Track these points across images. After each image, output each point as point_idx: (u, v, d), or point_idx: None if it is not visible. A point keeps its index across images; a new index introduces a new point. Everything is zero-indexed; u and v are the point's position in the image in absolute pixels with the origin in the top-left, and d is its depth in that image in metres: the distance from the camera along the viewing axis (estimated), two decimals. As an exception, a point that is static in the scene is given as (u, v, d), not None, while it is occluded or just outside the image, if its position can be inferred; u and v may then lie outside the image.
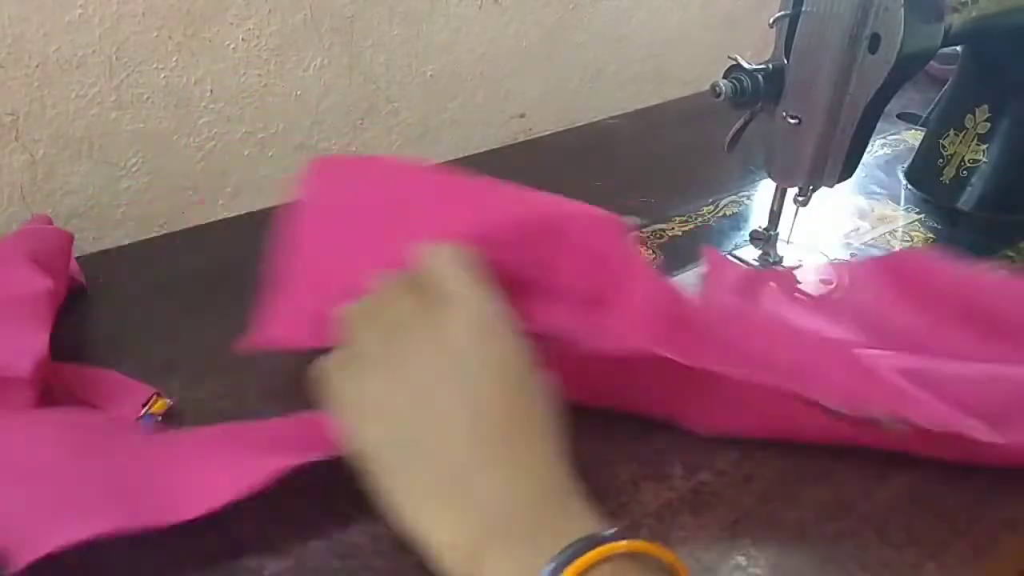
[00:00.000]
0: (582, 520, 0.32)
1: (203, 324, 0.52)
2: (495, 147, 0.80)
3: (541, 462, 0.33)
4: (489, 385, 0.34)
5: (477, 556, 0.31)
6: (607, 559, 0.29)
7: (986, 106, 0.67)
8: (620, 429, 0.45)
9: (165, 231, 0.64)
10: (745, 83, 0.52)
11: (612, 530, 0.31)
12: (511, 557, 0.30)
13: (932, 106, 0.77)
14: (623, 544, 0.30)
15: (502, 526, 0.31)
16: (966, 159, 0.68)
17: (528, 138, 0.82)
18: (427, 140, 0.76)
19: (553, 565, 0.29)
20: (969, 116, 0.68)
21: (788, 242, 0.61)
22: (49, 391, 0.42)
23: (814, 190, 0.57)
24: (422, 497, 0.33)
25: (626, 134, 0.84)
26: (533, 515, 0.31)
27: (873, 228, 0.66)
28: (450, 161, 0.76)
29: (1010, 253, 0.63)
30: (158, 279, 0.57)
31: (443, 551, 0.31)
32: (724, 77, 0.52)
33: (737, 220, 0.67)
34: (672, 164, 0.76)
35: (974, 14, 0.56)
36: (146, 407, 0.43)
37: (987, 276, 0.50)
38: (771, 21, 0.52)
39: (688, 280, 0.58)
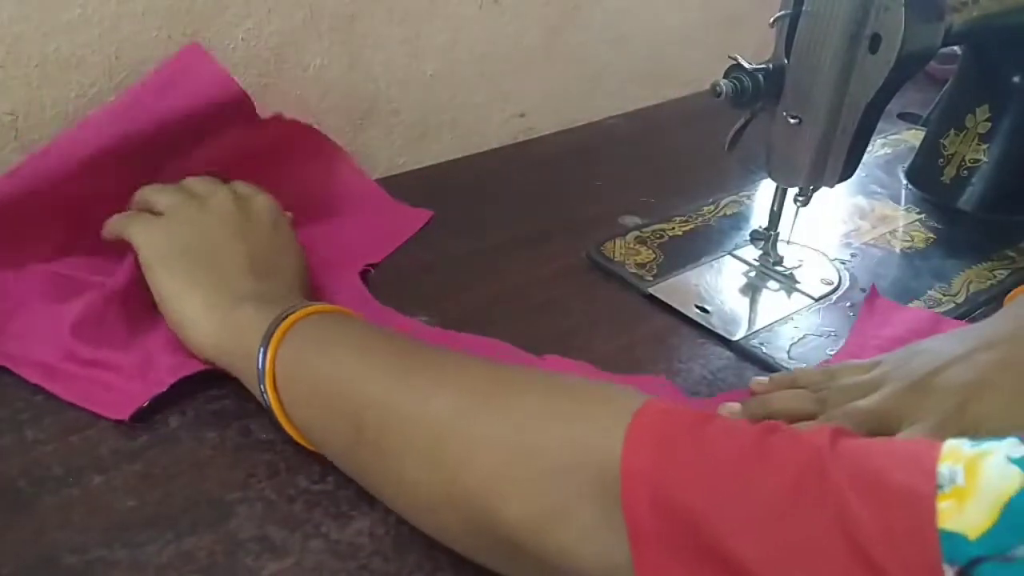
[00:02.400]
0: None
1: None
2: (495, 147, 0.80)
3: (284, 286, 0.48)
4: (266, 239, 0.50)
5: (229, 313, 0.44)
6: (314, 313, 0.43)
7: (987, 106, 0.67)
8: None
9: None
10: (745, 83, 0.52)
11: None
12: (252, 314, 0.43)
13: (933, 106, 0.77)
14: (322, 306, 0.44)
15: (251, 300, 0.45)
16: (967, 159, 0.68)
17: (528, 138, 0.82)
18: (427, 140, 0.76)
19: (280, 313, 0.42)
20: (970, 116, 0.68)
21: (788, 242, 0.61)
22: None
23: (814, 190, 0.57)
24: (193, 286, 0.46)
25: (626, 134, 0.84)
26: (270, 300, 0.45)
27: (873, 228, 0.66)
28: (450, 161, 0.76)
29: (1011, 253, 0.63)
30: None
31: (200, 314, 0.45)
32: (724, 77, 0.52)
33: (737, 220, 0.67)
34: (672, 164, 0.76)
35: (975, 14, 0.56)
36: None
37: None
38: (771, 21, 0.52)
39: (688, 280, 0.59)
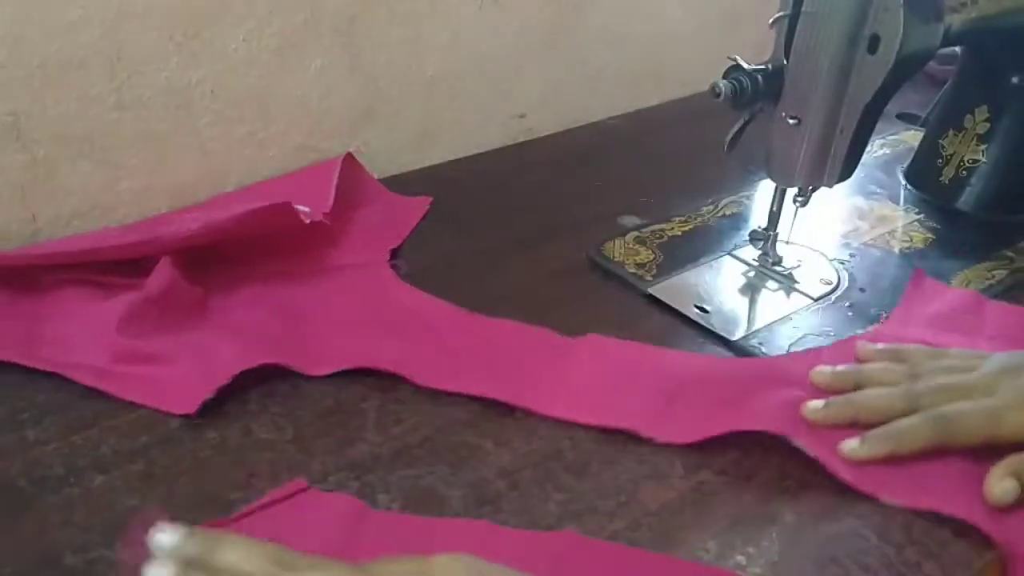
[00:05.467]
0: None
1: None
2: (495, 147, 0.80)
3: None
4: None
5: None
6: None
7: (985, 106, 0.67)
8: (620, 429, 0.45)
9: (165, 231, 0.64)
10: (744, 83, 0.52)
11: None
12: None
13: (931, 106, 0.77)
14: None
15: None
16: (965, 159, 0.68)
17: (528, 138, 0.82)
18: (427, 140, 0.76)
19: None
20: (968, 116, 0.68)
21: (787, 242, 0.61)
22: None
23: (813, 190, 0.57)
24: None
25: (626, 134, 0.84)
26: None
27: (872, 228, 0.66)
28: (450, 161, 0.76)
29: (1009, 253, 0.63)
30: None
31: None
32: (724, 77, 0.52)
33: (736, 220, 0.67)
34: (672, 164, 0.76)
35: (973, 15, 0.56)
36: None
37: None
38: (771, 21, 0.52)
39: (688, 280, 0.59)
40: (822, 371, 0.47)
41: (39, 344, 0.48)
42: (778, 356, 0.51)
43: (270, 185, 0.67)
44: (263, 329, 0.51)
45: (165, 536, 0.32)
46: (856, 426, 0.44)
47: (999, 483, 0.40)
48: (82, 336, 0.49)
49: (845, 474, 0.42)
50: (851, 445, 0.42)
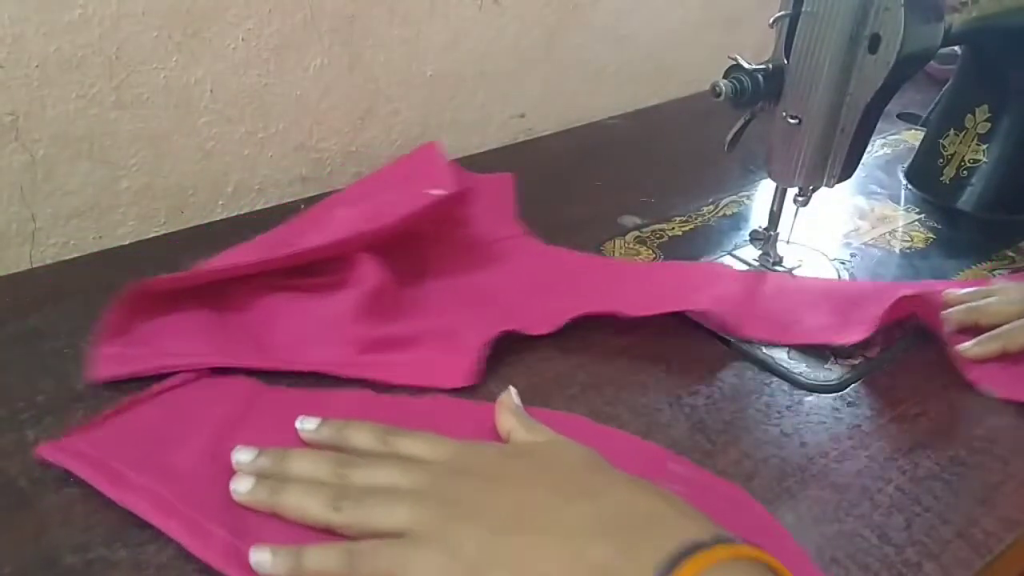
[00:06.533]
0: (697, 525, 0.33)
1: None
2: (495, 147, 0.80)
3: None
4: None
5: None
6: (719, 562, 0.31)
7: (986, 106, 0.67)
8: (622, 429, 0.45)
9: (165, 231, 0.64)
10: (745, 83, 0.52)
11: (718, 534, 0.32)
12: (627, 552, 0.32)
13: (932, 106, 0.77)
14: (735, 549, 0.31)
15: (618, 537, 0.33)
16: (966, 159, 0.68)
17: (528, 138, 0.82)
18: (427, 140, 0.76)
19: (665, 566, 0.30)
20: (969, 116, 0.68)
21: (788, 242, 0.61)
22: None
23: (814, 190, 0.57)
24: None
25: (626, 134, 0.84)
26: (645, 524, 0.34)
27: (873, 228, 0.66)
28: (450, 161, 0.76)
29: (1010, 253, 0.63)
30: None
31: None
32: (724, 77, 0.52)
33: (737, 220, 0.67)
34: (672, 164, 0.76)
35: (974, 14, 0.56)
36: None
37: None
38: (771, 21, 0.52)
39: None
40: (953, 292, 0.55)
41: (273, 349, 0.49)
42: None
43: (385, 177, 0.68)
44: (475, 304, 0.54)
45: (241, 454, 0.40)
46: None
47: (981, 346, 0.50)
48: (312, 335, 0.50)
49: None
50: (965, 345, 0.50)
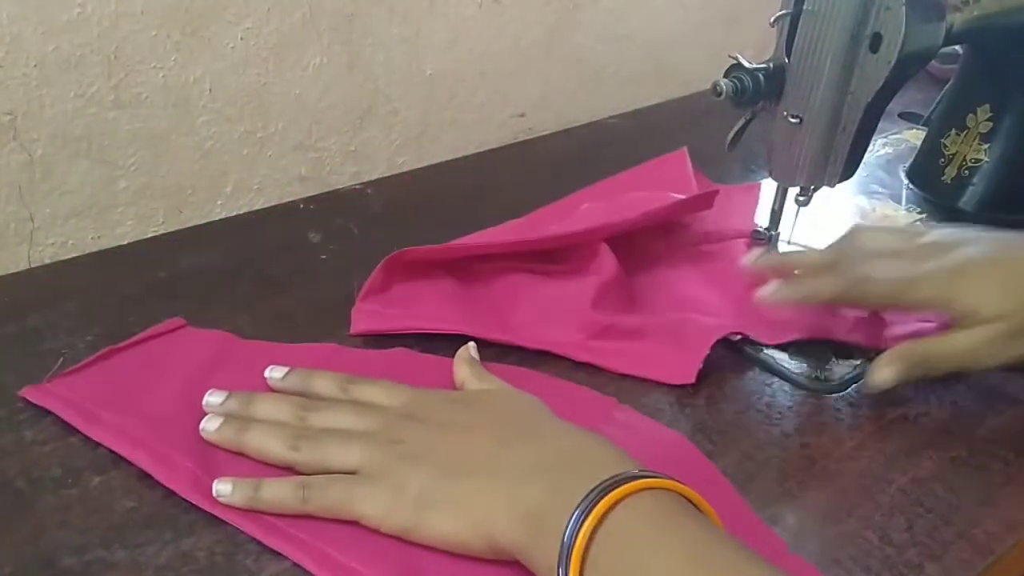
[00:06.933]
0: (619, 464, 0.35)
1: (202, 323, 0.52)
2: (495, 147, 0.80)
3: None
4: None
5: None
6: (642, 491, 0.33)
7: (988, 105, 0.67)
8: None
9: (163, 230, 0.64)
10: (746, 82, 0.52)
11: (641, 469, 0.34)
12: (555, 491, 0.34)
13: (934, 105, 0.77)
14: (652, 481, 0.33)
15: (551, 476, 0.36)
16: (968, 158, 0.68)
17: (528, 138, 0.82)
18: (426, 139, 0.76)
19: (593, 495, 0.33)
20: (971, 115, 0.68)
21: (789, 242, 0.61)
22: None
23: (815, 190, 0.57)
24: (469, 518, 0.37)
25: (626, 134, 0.83)
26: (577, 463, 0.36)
27: (874, 228, 0.66)
28: (450, 161, 0.76)
29: (1012, 253, 0.63)
30: (157, 278, 0.56)
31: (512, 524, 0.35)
32: (725, 76, 0.52)
33: (738, 220, 0.66)
34: (672, 164, 0.76)
35: (975, 13, 0.55)
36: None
37: None
38: (772, 20, 0.52)
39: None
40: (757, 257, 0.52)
41: (514, 327, 0.51)
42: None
43: (632, 178, 0.69)
44: (710, 302, 0.55)
45: (212, 396, 0.43)
46: None
47: (880, 371, 0.46)
48: (552, 317, 0.52)
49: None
50: (770, 288, 0.48)
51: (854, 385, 0.49)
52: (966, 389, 0.49)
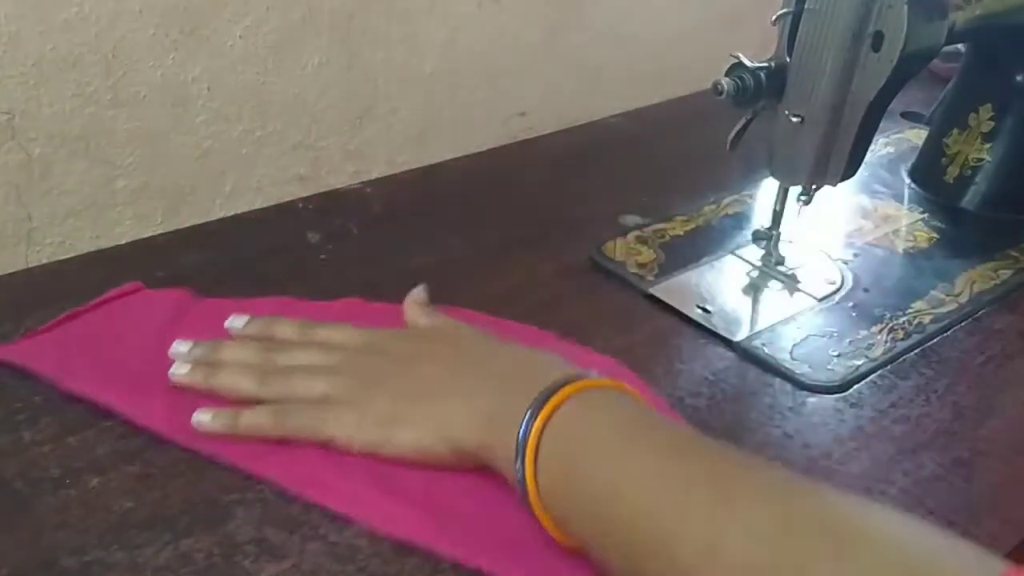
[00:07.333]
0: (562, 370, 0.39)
1: (201, 324, 0.52)
2: (495, 146, 0.79)
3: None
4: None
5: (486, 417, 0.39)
6: (590, 388, 0.37)
7: (990, 104, 0.67)
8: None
9: (162, 230, 0.63)
10: (747, 81, 0.52)
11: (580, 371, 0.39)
12: (510, 395, 0.38)
13: (936, 104, 0.76)
14: (598, 381, 0.38)
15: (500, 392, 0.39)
16: (970, 158, 0.68)
17: (528, 137, 0.82)
18: (426, 139, 0.76)
19: (542, 398, 0.36)
20: (973, 115, 0.68)
21: (790, 241, 0.60)
22: None
23: (817, 189, 0.57)
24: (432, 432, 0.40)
25: (626, 133, 0.83)
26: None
27: (876, 227, 0.66)
28: (450, 161, 0.76)
29: (1014, 252, 0.63)
30: (155, 278, 0.56)
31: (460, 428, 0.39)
32: (726, 75, 0.52)
33: (739, 219, 0.66)
34: (673, 163, 0.76)
35: (977, 12, 0.55)
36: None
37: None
38: (773, 19, 0.52)
39: (690, 280, 0.58)
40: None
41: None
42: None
43: None
44: None
45: (179, 345, 0.46)
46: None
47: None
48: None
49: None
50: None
51: (856, 386, 0.49)
52: (967, 390, 0.49)
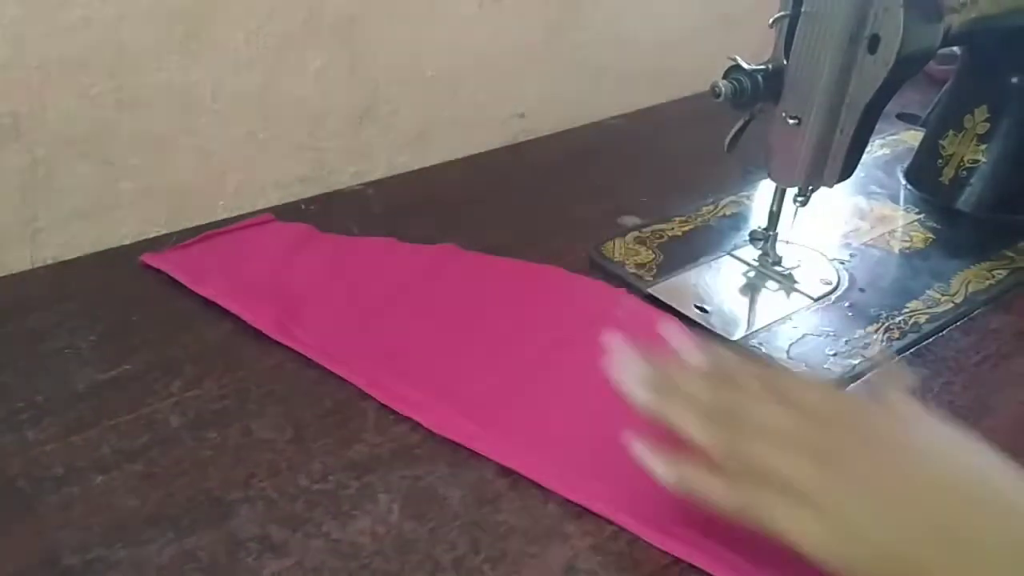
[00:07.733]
0: None
1: (203, 323, 0.52)
2: (495, 147, 0.80)
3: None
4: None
5: None
6: None
7: (985, 106, 0.67)
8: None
9: (166, 231, 0.64)
10: (745, 83, 0.52)
11: None
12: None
13: (931, 106, 0.77)
14: None
15: None
16: (965, 159, 0.68)
17: (528, 138, 0.82)
18: (427, 140, 0.76)
19: None
20: (968, 116, 0.68)
21: (787, 242, 0.61)
22: None
23: (813, 190, 0.57)
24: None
25: (626, 134, 0.84)
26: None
27: (872, 228, 0.66)
28: (450, 161, 0.76)
29: (1009, 253, 0.63)
30: (159, 279, 0.57)
31: None
32: (724, 77, 0.52)
33: (737, 220, 0.67)
34: (672, 164, 0.76)
35: (973, 15, 0.56)
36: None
37: None
38: (771, 21, 0.52)
39: (688, 280, 0.59)
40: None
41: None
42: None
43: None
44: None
45: (631, 362, 0.41)
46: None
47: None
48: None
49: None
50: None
51: (852, 385, 0.49)
52: (962, 390, 0.49)
